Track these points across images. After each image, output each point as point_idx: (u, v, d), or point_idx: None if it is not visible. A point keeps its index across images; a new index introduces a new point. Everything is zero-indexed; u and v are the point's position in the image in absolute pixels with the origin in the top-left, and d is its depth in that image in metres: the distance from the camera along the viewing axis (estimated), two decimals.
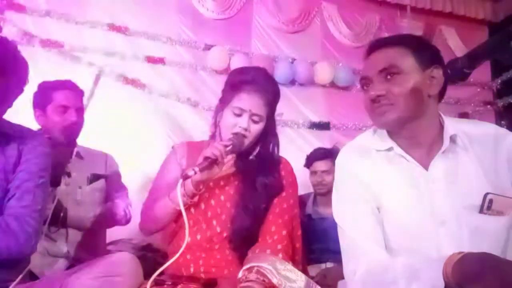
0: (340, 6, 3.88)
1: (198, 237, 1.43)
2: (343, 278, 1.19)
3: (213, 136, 1.56)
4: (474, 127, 1.18)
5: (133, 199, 2.06)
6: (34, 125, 1.83)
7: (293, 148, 3.36)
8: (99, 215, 1.87)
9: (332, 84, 3.73)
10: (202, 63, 3.42)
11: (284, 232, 1.41)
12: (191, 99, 3.34)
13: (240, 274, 1.22)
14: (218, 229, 1.43)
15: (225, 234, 1.43)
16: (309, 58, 3.68)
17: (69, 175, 1.73)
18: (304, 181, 2.41)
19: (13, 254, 1.17)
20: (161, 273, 1.21)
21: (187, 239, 1.23)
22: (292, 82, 3.63)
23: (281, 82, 3.16)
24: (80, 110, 1.91)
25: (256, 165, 1.49)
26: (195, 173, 1.28)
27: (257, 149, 1.52)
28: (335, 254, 1.19)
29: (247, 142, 1.45)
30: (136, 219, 1.67)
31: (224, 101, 1.50)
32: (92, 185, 1.92)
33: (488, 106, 4.16)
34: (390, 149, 1.17)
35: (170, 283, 1.30)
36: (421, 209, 1.10)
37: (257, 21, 3.67)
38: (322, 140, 3.49)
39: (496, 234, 1.07)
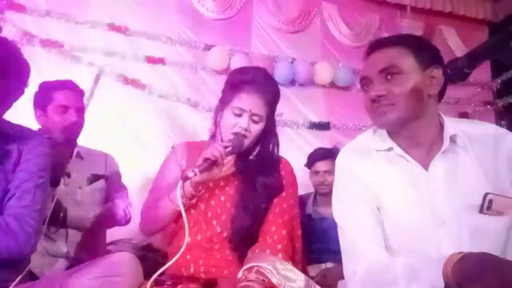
0: (340, 6, 3.88)
1: (198, 237, 1.43)
2: (343, 278, 1.19)
3: (213, 136, 1.56)
4: (474, 127, 1.18)
5: (133, 199, 2.06)
6: (35, 125, 1.84)
7: (293, 148, 3.36)
8: (99, 216, 1.87)
9: (332, 84, 3.74)
10: (202, 63, 3.42)
11: (284, 232, 1.41)
12: (191, 99, 3.34)
13: (240, 274, 1.22)
14: (218, 229, 1.43)
15: (225, 234, 1.43)
16: (309, 58, 3.68)
17: (68, 175, 1.73)
18: (304, 181, 2.41)
19: (13, 254, 1.17)
20: (161, 273, 1.21)
21: (187, 239, 1.23)
22: (292, 82, 3.63)
23: (281, 82, 3.16)
24: (80, 110, 1.92)
25: (256, 165, 1.49)
26: (195, 174, 1.28)
27: (257, 149, 1.52)
28: (335, 254, 1.19)
29: (247, 142, 1.45)
30: (136, 219, 1.67)
31: (224, 101, 1.50)
32: (92, 185, 1.92)
33: (488, 106, 4.16)
34: (390, 149, 1.17)
35: (170, 283, 1.30)
36: (421, 209, 1.10)
37: (257, 21, 3.67)
38: (322, 140, 3.50)
39: (496, 234, 1.07)
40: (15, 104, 1.27)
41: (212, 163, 1.32)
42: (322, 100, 3.75)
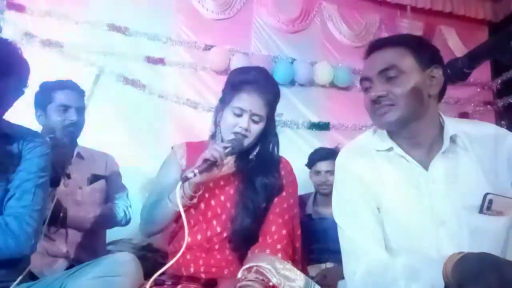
0: (340, 6, 3.88)
1: (198, 237, 1.43)
2: (343, 278, 1.19)
3: (213, 136, 1.56)
4: (474, 127, 1.18)
5: (133, 200, 2.06)
6: (35, 125, 1.84)
7: (293, 148, 3.36)
8: (99, 216, 1.87)
9: (332, 84, 3.73)
10: (202, 63, 3.42)
11: (284, 232, 1.41)
12: (191, 99, 3.34)
13: (239, 274, 1.22)
14: (218, 229, 1.43)
15: (225, 234, 1.42)
16: (309, 58, 3.68)
17: (68, 176, 1.73)
18: (304, 181, 2.41)
19: (13, 254, 1.17)
20: (162, 273, 1.21)
21: (187, 239, 1.23)
22: (292, 83, 3.63)
23: (280, 82, 3.16)
24: (80, 110, 1.92)
25: (256, 165, 1.49)
26: (195, 175, 1.28)
27: (257, 149, 1.52)
28: (335, 254, 1.19)
29: (247, 142, 1.45)
30: (136, 220, 1.67)
31: (224, 101, 1.50)
32: (92, 186, 1.93)
33: (488, 106, 4.16)
34: (390, 149, 1.17)
35: (170, 283, 1.30)
36: (421, 209, 1.10)
37: (257, 21, 3.67)
38: (321, 141, 3.50)
39: (496, 234, 1.07)
40: (16, 104, 1.27)
41: (211, 164, 1.32)
42: (322, 100, 3.75)
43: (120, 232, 2.25)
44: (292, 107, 3.58)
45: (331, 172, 2.40)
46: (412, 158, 1.14)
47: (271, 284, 1.17)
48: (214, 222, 1.44)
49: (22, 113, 1.65)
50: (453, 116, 2.82)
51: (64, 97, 1.88)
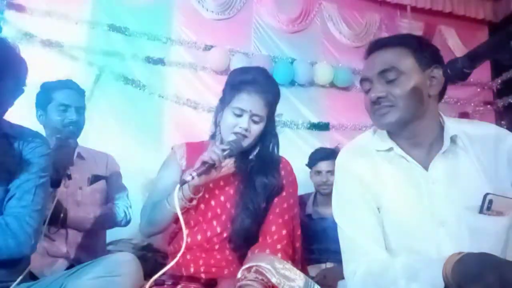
0: (340, 6, 3.89)
1: (199, 237, 1.43)
2: (343, 278, 1.18)
3: (213, 136, 1.56)
4: (474, 127, 1.18)
5: (134, 200, 2.06)
6: (37, 126, 1.84)
7: (293, 148, 3.36)
8: (99, 216, 1.87)
9: (332, 85, 3.74)
10: (202, 63, 3.42)
11: (284, 232, 1.41)
12: (191, 99, 3.34)
13: (239, 274, 1.22)
14: (218, 230, 1.43)
15: (225, 235, 1.43)
16: (309, 58, 3.68)
17: (69, 177, 1.73)
18: (304, 181, 2.41)
19: (13, 254, 1.17)
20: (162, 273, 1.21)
21: (185, 241, 1.22)
22: (292, 83, 3.63)
23: (280, 82, 3.16)
24: (80, 109, 1.92)
25: (256, 165, 1.49)
26: (193, 178, 1.28)
27: (257, 149, 1.52)
28: (335, 254, 1.19)
29: (247, 142, 1.45)
30: (136, 220, 1.67)
31: (224, 101, 1.50)
32: (92, 186, 1.93)
33: (488, 106, 4.17)
34: (390, 149, 1.17)
35: (170, 283, 1.30)
36: (421, 209, 1.10)
37: (257, 21, 3.68)
38: (321, 141, 3.50)
39: (496, 234, 1.07)
40: (17, 105, 1.27)
41: (210, 167, 1.31)
42: (321, 100, 3.75)
43: (120, 232, 2.26)
44: (292, 107, 3.58)
45: (332, 172, 2.40)
46: (412, 158, 1.14)
47: (270, 284, 1.18)
48: (214, 223, 1.44)
49: (26, 114, 1.67)
50: (453, 116, 2.82)
51: (63, 97, 1.88)
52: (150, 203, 1.49)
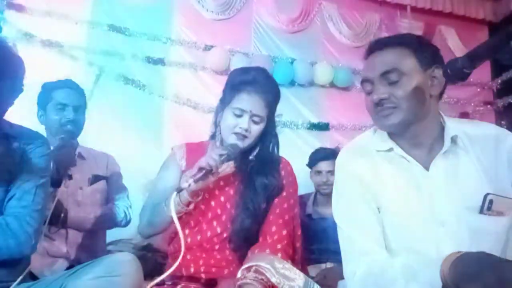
0: (340, 6, 3.89)
1: (199, 237, 1.43)
2: (343, 278, 1.18)
3: (213, 136, 1.56)
4: (475, 127, 1.18)
5: (133, 200, 2.06)
6: (37, 126, 1.84)
7: (293, 149, 3.36)
8: (100, 216, 1.87)
9: (332, 85, 3.74)
10: (202, 63, 3.42)
11: (284, 232, 1.41)
12: (191, 99, 3.34)
13: (239, 274, 1.22)
14: (219, 230, 1.43)
15: (225, 235, 1.42)
16: (309, 58, 3.68)
17: (70, 177, 1.73)
18: (304, 181, 2.41)
19: (13, 254, 1.17)
20: (162, 273, 1.21)
21: (184, 243, 1.22)
22: (292, 83, 3.63)
23: (280, 82, 3.16)
24: (79, 109, 1.91)
25: (256, 165, 1.49)
26: (189, 185, 1.28)
27: (257, 149, 1.52)
28: (335, 254, 1.19)
29: (247, 142, 1.45)
30: (136, 220, 1.67)
31: (224, 101, 1.50)
32: (93, 186, 1.92)
33: (488, 106, 4.17)
34: (390, 149, 1.17)
35: (170, 283, 1.30)
36: (421, 210, 1.10)
37: (257, 21, 3.68)
38: (321, 141, 3.49)
39: (496, 234, 1.07)
40: (18, 105, 1.27)
41: (207, 173, 1.31)
42: (321, 100, 3.75)
43: (120, 232, 2.25)
44: (292, 107, 3.58)
45: (332, 172, 2.39)
46: (412, 158, 1.14)
47: (270, 283, 1.18)
48: (214, 223, 1.44)
49: (26, 114, 1.67)
50: (453, 116, 2.82)
51: (62, 96, 1.88)
52: (150, 205, 1.49)
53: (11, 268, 1.20)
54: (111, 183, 2.00)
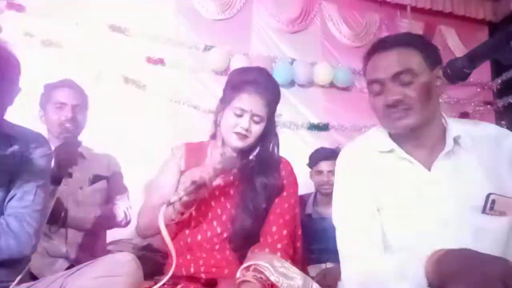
0: (340, 6, 3.88)
1: (199, 237, 1.43)
2: None
3: (213, 136, 1.56)
4: (476, 127, 1.18)
5: (133, 200, 2.06)
6: (38, 126, 1.84)
7: (292, 149, 3.35)
8: (100, 216, 1.87)
9: (332, 85, 3.73)
10: (202, 64, 3.42)
11: (285, 232, 1.41)
12: (191, 99, 3.34)
13: (238, 273, 1.22)
14: (219, 230, 1.43)
15: (225, 235, 1.42)
16: (309, 58, 3.68)
17: (70, 175, 1.73)
18: (304, 181, 2.41)
19: (13, 254, 1.17)
20: (162, 273, 1.21)
21: (174, 260, 1.22)
22: (292, 83, 3.62)
23: (280, 83, 3.15)
24: (78, 108, 1.91)
25: (256, 165, 1.49)
26: (180, 199, 1.26)
27: (257, 149, 1.52)
28: (335, 254, 1.19)
29: (248, 142, 1.46)
30: (136, 220, 1.67)
31: (225, 101, 1.50)
32: (93, 186, 1.92)
33: (488, 106, 4.17)
34: (391, 150, 1.17)
35: (170, 283, 1.30)
36: (423, 210, 1.09)
37: (257, 22, 3.67)
38: (321, 141, 3.48)
39: (499, 234, 1.06)
40: (19, 105, 1.27)
41: (200, 186, 1.29)
42: (321, 101, 3.75)
43: (120, 232, 2.25)
44: (292, 107, 3.58)
45: (333, 172, 2.39)
46: (414, 159, 1.14)
47: (269, 282, 1.18)
48: (215, 223, 1.44)
49: (26, 115, 1.67)
50: (453, 116, 2.82)
51: (60, 95, 1.88)
52: (147, 207, 1.49)
53: (11, 268, 1.20)
54: (111, 183, 2.01)
